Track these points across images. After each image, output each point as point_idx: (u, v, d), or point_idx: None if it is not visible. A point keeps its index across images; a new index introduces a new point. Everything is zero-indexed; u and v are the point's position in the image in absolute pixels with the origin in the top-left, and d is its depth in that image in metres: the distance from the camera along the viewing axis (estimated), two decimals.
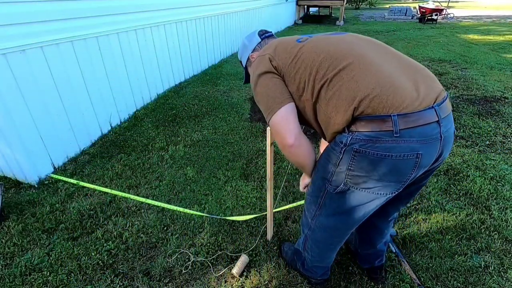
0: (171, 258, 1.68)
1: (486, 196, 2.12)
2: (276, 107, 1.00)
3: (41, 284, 1.53)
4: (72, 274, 1.59)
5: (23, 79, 2.14)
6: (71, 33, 2.50)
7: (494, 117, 3.35)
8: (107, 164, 2.55)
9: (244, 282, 1.54)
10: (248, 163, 2.57)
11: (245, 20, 7.04)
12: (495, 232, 1.81)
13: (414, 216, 1.95)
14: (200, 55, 5.11)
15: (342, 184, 0.97)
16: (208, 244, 1.76)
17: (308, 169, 1.11)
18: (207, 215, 1.98)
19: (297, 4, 12.84)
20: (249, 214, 1.99)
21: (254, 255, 1.69)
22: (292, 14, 12.50)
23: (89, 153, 2.71)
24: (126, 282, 1.55)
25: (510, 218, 1.91)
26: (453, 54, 6.40)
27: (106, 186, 2.27)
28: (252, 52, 1.27)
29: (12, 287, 1.53)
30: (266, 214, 1.75)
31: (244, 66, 1.33)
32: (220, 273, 1.59)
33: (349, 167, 0.92)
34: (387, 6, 23.51)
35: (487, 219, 1.91)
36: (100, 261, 1.65)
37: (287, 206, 2.04)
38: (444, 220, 1.91)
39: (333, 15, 15.44)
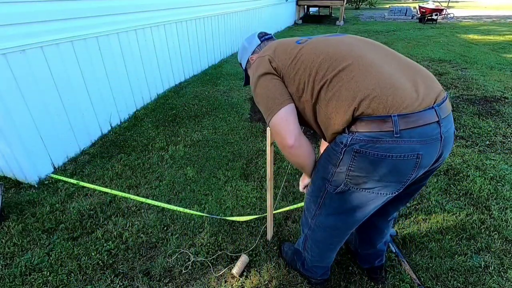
0: (171, 258, 1.68)
1: (486, 196, 2.12)
2: (276, 108, 1.01)
3: (41, 284, 1.53)
4: (72, 274, 1.59)
5: (23, 79, 2.14)
6: (71, 33, 2.50)
7: (494, 117, 3.35)
8: (107, 164, 2.55)
9: (244, 282, 1.54)
10: (248, 163, 2.57)
11: (245, 20, 7.04)
12: (495, 232, 1.81)
13: (414, 216, 1.95)
14: (200, 55, 5.11)
15: (342, 184, 0.97)
16: (208, 244, 1.76)
17: (308, 170, 1.11)
18: (207, 215, 1.98)
19: (297, 4, 12.84)
20: (249, 214, 1.99)
21: (254, 255, 1.69)
22: (292, 14, 12.50)
23: (89, 153, 2.71)
24: (126, 282, 1.55)
25: (510, 218, 1.91)
26: (453, 54, 6.40)
27: (106, 186, 2.27)
28: (252, 54, 1.28)
29: (12, 287, 1.53)
30: (266, 215, 1.75)
31: (244, 68, 1.34)
32: (220, 273, 1.59)
33: (349, 168, 0.92)
34: (387, 6, 23.51)
35: (487, 219, 1.91)
36: (100, 261, 1.66)
37: (286, 208, 2.04)
38: (444, 220, 1.91)
39: (333, 15, 15.44)
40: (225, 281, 1.55)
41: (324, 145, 1.45)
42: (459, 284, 1.51)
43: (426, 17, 12.65)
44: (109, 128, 3.12)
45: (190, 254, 1.70)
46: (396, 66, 0.94)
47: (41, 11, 2.23)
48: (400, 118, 0.83)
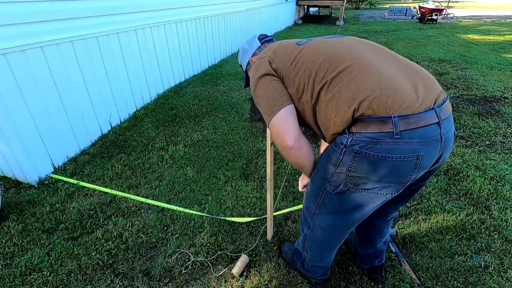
0: (171, 258, 1.68)
1: (486, 196, 2.12)
2: (276, 109, 1.01)
3: (41, 284, 1.53)
4: (72, 274, 1.59)
5: (23, 79, 2.14)
6: (71, 33, 2.50)
7: (494, 117, 3.35)
8: (107, 164, 2.55)
9: (244, 282, 1.54)
10: (248, 163, 2.58)
11: (245, 20, 7.04)
12: (495, 232, 1.81)
13: (414, 216, 1.95)
14: (200, 55, 5.11)
15: (342, 184, 0.97)
16: (208, 244, 1.76)
17: (308, 170, 1.12)
18: (207, 215, 1.98)
19: (297, 4, 12.84)
20: (249, 214, 1.99)
21: (254, 255, 1.69)
22: (292, 14, 12.50)
23: (89, 153, 2.71)
24: (126, 282, 1.55)
25: (510, 218, 1.92)
26: (453, 54, 6.40)
27: (106, 186, 2.27)
28: (252, 56, 1.29)
29: (12, 287, 1.53)
30: (266, 216, 1.75)
31: (244, 70, 1.34)
32: (220, 273, 1.59)
33: (349, 168, 0.92)
34: (387, 6, 23.51)
35: (487, 219, 1.91)
36: (100, 261, 1.66)
37: (286, 210, 2.04)
38: (444, 220, 1.91)
39: (333, 15, 15.44)
40: (225, 281, 1.55)
41: (324, 145, 1.45)
42: (459, 284, 1.51)
43: (426, 17, 12.65)
44: (109, 128, 3.12)
45: (190, 254, 1.70)
46: (396, 67, 0.94)
47: (41, 11, 2.23)
48: (401, 119, 0.83)
